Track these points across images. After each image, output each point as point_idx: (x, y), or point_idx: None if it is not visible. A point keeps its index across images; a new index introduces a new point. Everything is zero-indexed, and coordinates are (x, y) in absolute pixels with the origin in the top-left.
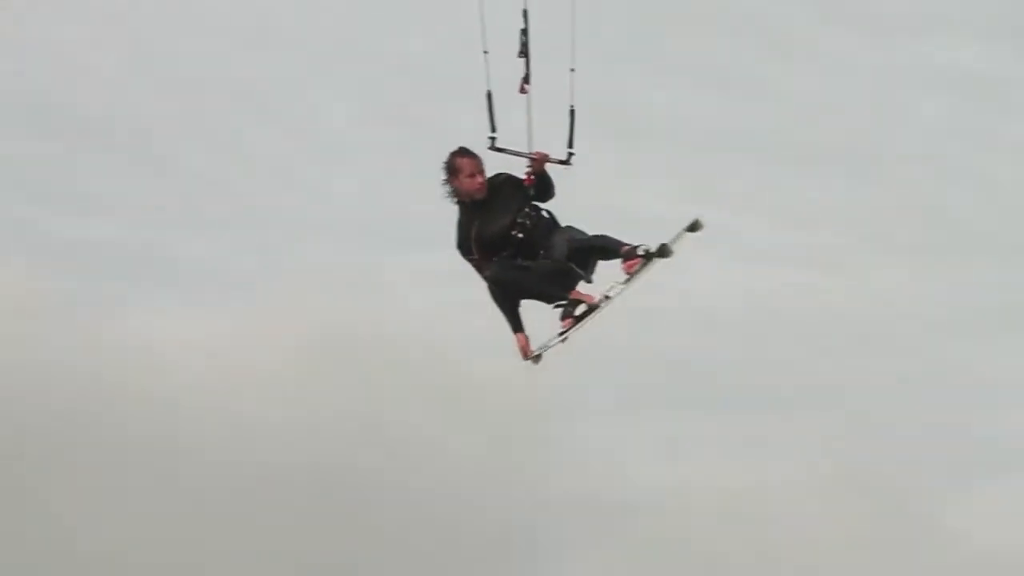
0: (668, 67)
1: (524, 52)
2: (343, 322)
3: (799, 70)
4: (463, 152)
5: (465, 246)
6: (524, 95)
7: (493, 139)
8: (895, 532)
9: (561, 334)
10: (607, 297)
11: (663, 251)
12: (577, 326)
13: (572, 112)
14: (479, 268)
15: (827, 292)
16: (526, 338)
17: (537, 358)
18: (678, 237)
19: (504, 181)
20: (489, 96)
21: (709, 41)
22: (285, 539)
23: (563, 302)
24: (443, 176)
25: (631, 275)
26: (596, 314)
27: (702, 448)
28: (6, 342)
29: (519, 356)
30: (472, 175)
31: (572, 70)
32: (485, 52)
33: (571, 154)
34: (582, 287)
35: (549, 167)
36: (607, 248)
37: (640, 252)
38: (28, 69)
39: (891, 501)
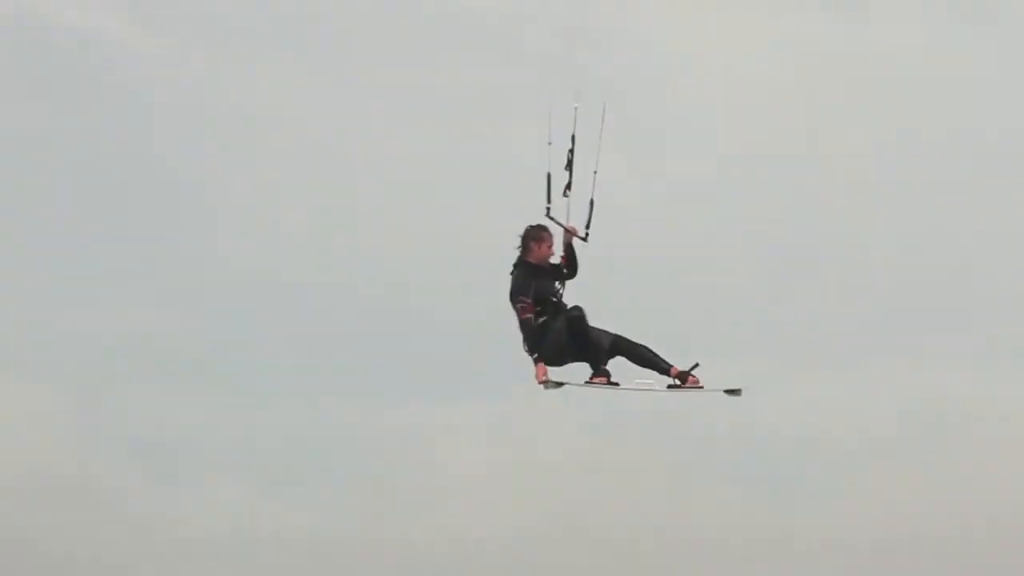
0: None
1: (569, 166)
2: None
3: None
4: (547, 228)
5: (525, 293)
6: (566, 197)
7: (548, 208)
8: None
9: (587, 382)
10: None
11: (733, 392)
12: (604, 387)
13: (592, 202)
14: (525, 311)
15: None
16: (547, 369)
17: (558, 385)
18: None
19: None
20: (548, 177)
21: None
22: None
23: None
24: (528, 238)
25: (680, 386)
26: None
27: None
28: None
29: (537, 379)
30: (551, 246)
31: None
32: (549, 143)
33: (588, 233)
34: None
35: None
36: (653, 362)
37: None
38: None
39: None
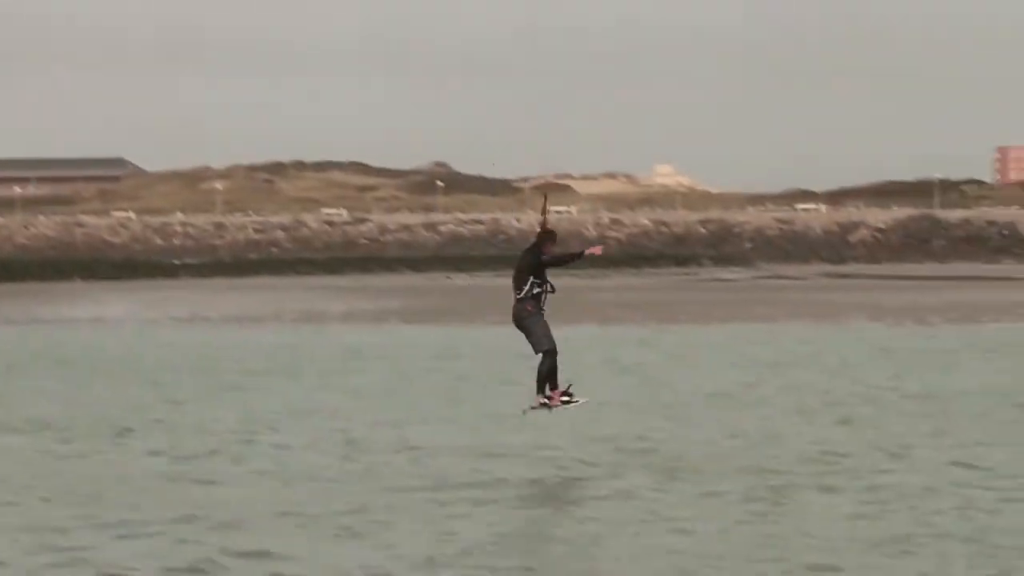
0: None
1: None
2: None
3: None
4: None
5: (547, 253)
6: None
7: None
8: None
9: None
10: None
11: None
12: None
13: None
14: (553, 256)
15: None
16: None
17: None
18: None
19: None
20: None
21: None
22: None
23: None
24: (549, 238)
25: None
26: None
27: None
28: None
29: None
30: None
31: None
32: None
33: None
34: None
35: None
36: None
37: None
38: None
39: None
